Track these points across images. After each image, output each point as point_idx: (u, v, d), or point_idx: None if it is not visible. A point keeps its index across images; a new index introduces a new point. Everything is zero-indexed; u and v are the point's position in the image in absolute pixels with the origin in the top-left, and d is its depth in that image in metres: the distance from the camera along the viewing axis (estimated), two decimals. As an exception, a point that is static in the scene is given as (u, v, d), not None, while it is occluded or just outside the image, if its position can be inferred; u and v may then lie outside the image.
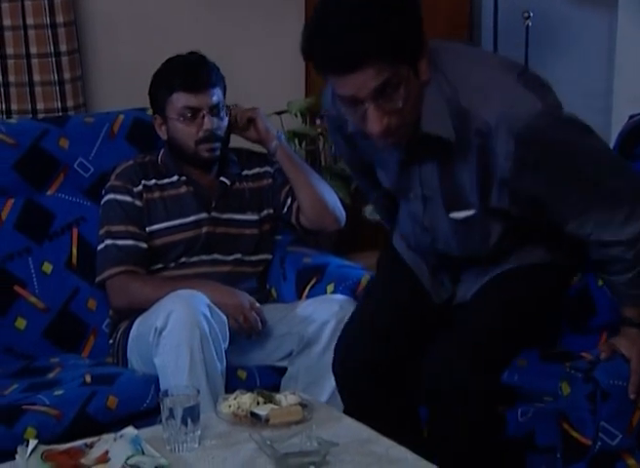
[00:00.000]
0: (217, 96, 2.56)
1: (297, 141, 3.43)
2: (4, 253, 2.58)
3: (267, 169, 2.71)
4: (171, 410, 1.89)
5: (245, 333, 2.43)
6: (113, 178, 2.58)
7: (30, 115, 3.16)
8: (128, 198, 2.55)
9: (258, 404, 2.03)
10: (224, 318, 2.35)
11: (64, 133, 2.70)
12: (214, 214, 2.60)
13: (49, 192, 2.68)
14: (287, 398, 2.06)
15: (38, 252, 2.61)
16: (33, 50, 3.15)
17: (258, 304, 2.43)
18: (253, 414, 2.00)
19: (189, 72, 2.54)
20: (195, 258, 2.57)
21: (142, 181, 2.57)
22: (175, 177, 2.60)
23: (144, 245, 2.53)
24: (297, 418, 2.00)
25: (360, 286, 2.55)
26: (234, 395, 2.06)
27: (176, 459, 1.86)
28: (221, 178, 2.63)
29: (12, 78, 3.16)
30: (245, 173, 2.68)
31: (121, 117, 2.77)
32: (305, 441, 1.87)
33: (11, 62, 3.15)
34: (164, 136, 2.61)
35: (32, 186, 2.66)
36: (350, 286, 2.57)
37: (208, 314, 2.28)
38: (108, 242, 2.52)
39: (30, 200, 2.64)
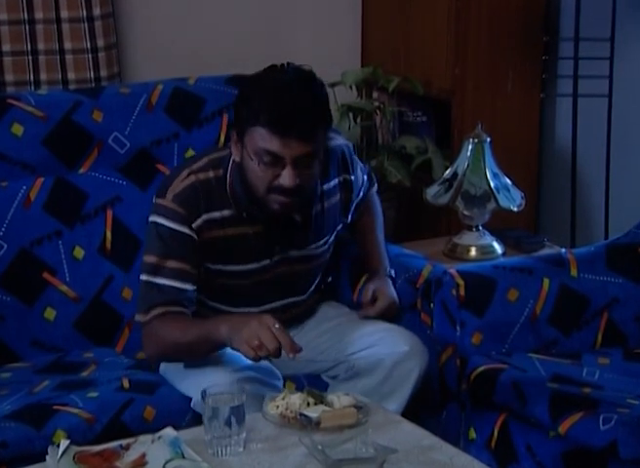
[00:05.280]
0: (312, 145, 2.19)
1: (351, 117, 3.43)
2: (32, 236, 2.60)
3: (347, 177, 2.46)
4: (214, 410, 1.91)
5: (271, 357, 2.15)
6: (170, 199, 2.28)
7: (61, 86, 3.21)
8: (186, 230, 2.28)
9: (308, 405, 2.05)
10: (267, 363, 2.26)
11: (98, 105, 2.71)
12: (277, 257, 2.38)
13: (81, 170, 2.70)
14: (340, 399, 2.07)
15: (69, 235, 2.63)
16: (64, 14, 3.19)
17: (277, 325, 2.10)
18: (302, 416, 2.01)
19: (282, 111, 2.14)
20: (252, 309, 2.41)
21: (204, 215, 2.29)
22: (243, 213, 2.32)
23: (192, 286, 2.29)
24: (350, 421, 2.01)
25: (421, 277, 2.54)
26: (282, 395, 2.08)
27: (218, 464, 1.88)
28: (294, 215, 2.36)
29: (41, 45, 3.20)
30: (321, 189, 2.40)
31: (160, 87, 2.77)
32: (360, 446, 1.88)
33: (39, 28, 3.19)
34: (237, 158, 2.27)
35: (63, 164, 2.68)
36: (410, 278, 2.56)
37: (252, 374, 2.20)
38: (149, 278, 2.29)
39: (61, 179, 2.66)
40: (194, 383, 2.18)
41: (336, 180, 2.44)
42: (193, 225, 2.28)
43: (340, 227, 2.52)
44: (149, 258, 2.30)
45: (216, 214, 2.31)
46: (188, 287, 2.29)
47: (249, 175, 2.23)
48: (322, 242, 2.45)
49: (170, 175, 2.36)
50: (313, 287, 2.52)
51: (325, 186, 2.41)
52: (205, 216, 2.29)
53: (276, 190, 2.20)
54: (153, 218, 2.31)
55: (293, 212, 2.31)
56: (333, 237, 2.49)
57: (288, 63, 2.25)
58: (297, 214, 2.35)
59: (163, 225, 2.29)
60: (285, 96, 2.15)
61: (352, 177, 2.48)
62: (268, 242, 2.36)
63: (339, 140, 2.47)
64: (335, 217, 2.47)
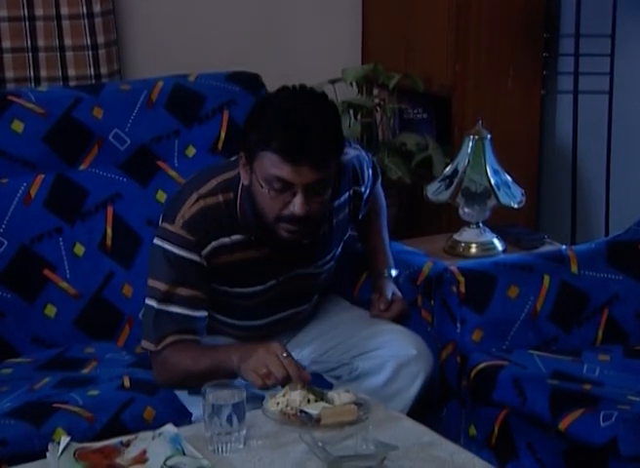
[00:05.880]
0: (324, 172, 2.13)
1: (352, 113, 3.43)
2: (32, 233, 2.60)
3: (357, 189, 2.42)
4: (214, 407, 1.91)
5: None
6: (180, 225, 2.22)
7: (61, 83, 3.21)
8: (195, 257, 2.23)
9: (308, 402, 2.04)
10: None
11: (98, 102, 2.71)
12: (282, 277, 2.36)
13: (82, 167, 2.70)
14: (340, 396, 2.07)
15: (69, 232, 2.63)
16: (64, 11, 3.19)
17: (285, 354, 2.07)
18: (303, 413, 2.01)
19: (294, 137, 2.07)
20: (257, 322, 2.42)
21: (213, 242, 2.24)
22: (252, 237, 2.28)
23: (204, 312, 2.27)
24: (351, 418, 2.00)
25: (422, 274, 2.54)
26: (283, 392, 2.07)
27: (219, 461, 1.88)
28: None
29: (41, 42, 3.21)
30: (330, 207, 2.33)
31: (160, 84, 2.78)
32: (361, 443, 1.87)
33: (40, 25, 3.19)
34: (245, 182, 2.21)
35: (63, 160, 2.68)
36: (411, 275, 2.56)
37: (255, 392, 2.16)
38: (160, 306, 2.24)
39: (61, 175, 2.66)
40: (195, 402, 2.16)
41: (346, 194, 2.39)
42: (203, 252, 2.24)
43: (346, 237, 2.50)
44: (158, 285, 2.24)
45: (225, 240, 2.26)
46: (200, 314, 2.26)
47: (258, 200, 2.17)
48: (329, 257, 2.42)
49: (177, 198, 2.29)
50: (317, 294, 2.52)
51: (336, 202, 2.35)
52: (214, 243, 2.25)
53: (285, 219, 2.14)
54: (161, 244, 2.25)
55: (302, 239, 2.25)
56: (340, 248, 2.47)
57: (300, 85, 2.17)
58: (305, 239, 2.30)
59: (172, 252, 2.23)
60: (297, 121, 2.07)
61: (362, 188, 2.43)
62: (275, 264, 2.32)
63: (350, 154, 2.40)
64: (343, 230, 2.44)
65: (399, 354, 2.34)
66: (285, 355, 2.07)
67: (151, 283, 2.26)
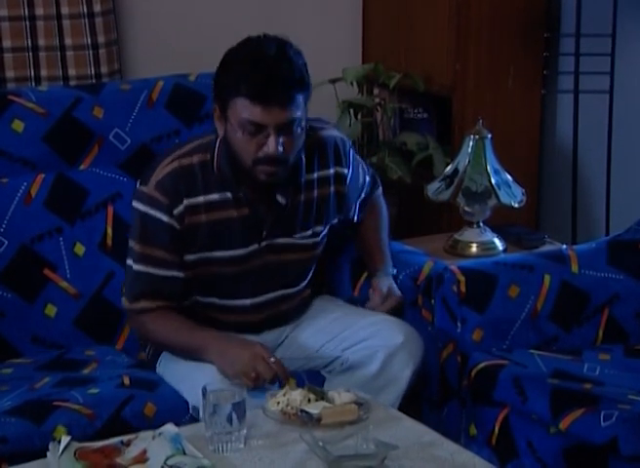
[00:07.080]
0: (293, 111, 2.20)
1: (352, 113, 3.43)
2: (33, 233, 2.61)
3: (340, 170, 2.44)
4: (215, 407, 1.91)
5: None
6: (153, 186, 2.29)
7: (61, 82, 3.21)
8: (166, 218, 2.29)
9: (309, 401, 2.05)
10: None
11: (99, 101, 2.71)
12: (264, 243, 2.37)
13: (82, 166, 2.70)
14: (341, 395, 2.07)
15: (70, 232, 2.64)
16: (64, 10, 3.19)
17: (273, 359, 2.19)
18: (303, 413, 2.02)
19: (261, 79, 2.17)
20: (245, 302, 2.41)
21: (185, 200, 2.29)
22: (229, 194, 2.32)
23: (176, 272, 2.32)
24: (351, 418, 2.01)
25: (422, 274, 2.54)
26: (283, 391, 2.08)
27: (219, 460, 1.88)
28: (277, 197, 2.34)
29: (41, 41, 3.21)
30: (311, 177, 2.39)
31: (160, 83, 2.78)
32: (361, 443, 1.88)
33: (40, 24, 3.19)
34: (220, 133, 2.29)
35: (64, 160, 2.68)
36: (412, 274, 2.56)
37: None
38: (133, 265, 2.34)
39: (62, 175, 2.67)
40: (191, 390, 2.19)
41: (329, 171, 2.43)
42: (175, 212, 2.29)
43: (334, 221, 2.51)
44: (133, 245, 2.35)
45: (199, 199, 2.31)
46: (172, 273, 2.32)
47: (234, 147, 2.25)
48: (310, 232, 2.43)
49: (154, 163, 2.37)
50: (305, 281, 2.51)
51: (315, 174, 2.41)
52: (187, 202, 2.30)
53: (262, 161, 2.22)
54: (136, 205, 2.34)
55: (279, 180, 2.30)
56: (325, 230, 2.48)
57: (264, 34, 2.26)
58: (280, 196, 2.34)
59: (146, 213, 2.31)
60: (263, 64, 2.18)
61: (346, 171, 2.46)
62: (255, 225, 2.35)
63: (331, 131, 2.47)
64: (327, 210, 2.45)
65: (387, 344, 2.34)
66: (273, 360, 2.18)
67: (129, 243, 2.36)
